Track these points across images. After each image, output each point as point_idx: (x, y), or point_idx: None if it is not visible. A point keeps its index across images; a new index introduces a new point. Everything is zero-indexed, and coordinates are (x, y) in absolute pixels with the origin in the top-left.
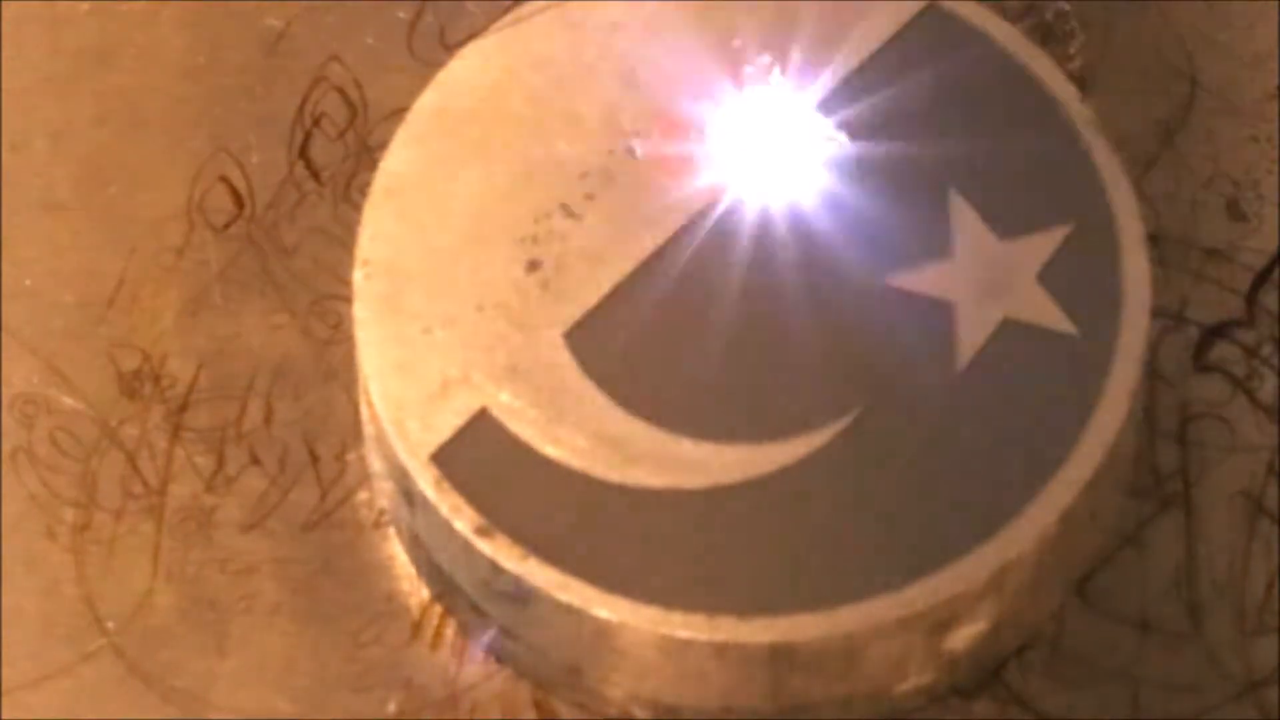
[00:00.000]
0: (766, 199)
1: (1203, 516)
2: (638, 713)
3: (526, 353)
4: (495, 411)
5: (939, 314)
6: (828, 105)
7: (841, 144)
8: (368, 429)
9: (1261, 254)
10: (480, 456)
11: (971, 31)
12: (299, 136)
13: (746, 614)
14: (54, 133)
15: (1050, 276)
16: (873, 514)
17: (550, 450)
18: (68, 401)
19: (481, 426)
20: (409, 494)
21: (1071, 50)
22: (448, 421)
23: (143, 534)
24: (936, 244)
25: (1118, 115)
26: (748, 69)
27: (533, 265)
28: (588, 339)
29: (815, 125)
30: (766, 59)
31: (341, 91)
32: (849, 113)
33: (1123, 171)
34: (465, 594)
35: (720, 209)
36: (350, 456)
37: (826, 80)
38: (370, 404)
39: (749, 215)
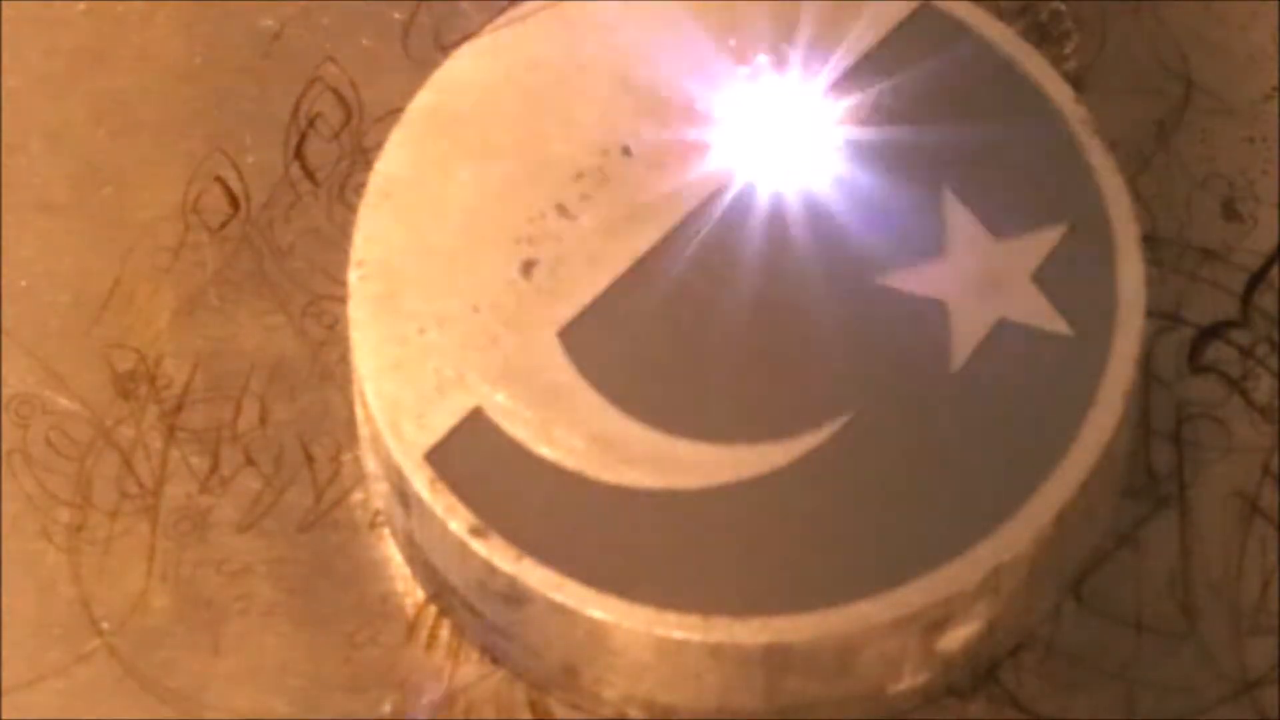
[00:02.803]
0: (761, 199)
1: (1198, 517)
2: (633, 713)
3: (521, 353)
4: (490, 412)
5: (934, 314)
6: (822, 105)
7: (836, 143)
8: (363, 429)
9: (1257, 255)
10: (475, 457)
11: (966, 31)
12: (294, 137)
13: (741, 614)
14: (50, 133)
15: (1045, 277)
16: (868, 514)
17: (545, 450)
18: (63, 402)
19: (476, 427)
20: (404, 495)
21: (1067, 50)
22: (442, 422)
23: (138, 534)
24: (931, 244)
25: (1113, 115)
26: (742, 69)
27: (528, 265)
28: (582, 339)
29: (810, 125)
30: (761, 59)
31: (336, 92)
32: (843, 112)
33: (1118, 172)
34: (460, 595)
35: (715, 209)
36: (345, 457)
37: (821, 80)
38: (365, 404)
39: (743, 215)
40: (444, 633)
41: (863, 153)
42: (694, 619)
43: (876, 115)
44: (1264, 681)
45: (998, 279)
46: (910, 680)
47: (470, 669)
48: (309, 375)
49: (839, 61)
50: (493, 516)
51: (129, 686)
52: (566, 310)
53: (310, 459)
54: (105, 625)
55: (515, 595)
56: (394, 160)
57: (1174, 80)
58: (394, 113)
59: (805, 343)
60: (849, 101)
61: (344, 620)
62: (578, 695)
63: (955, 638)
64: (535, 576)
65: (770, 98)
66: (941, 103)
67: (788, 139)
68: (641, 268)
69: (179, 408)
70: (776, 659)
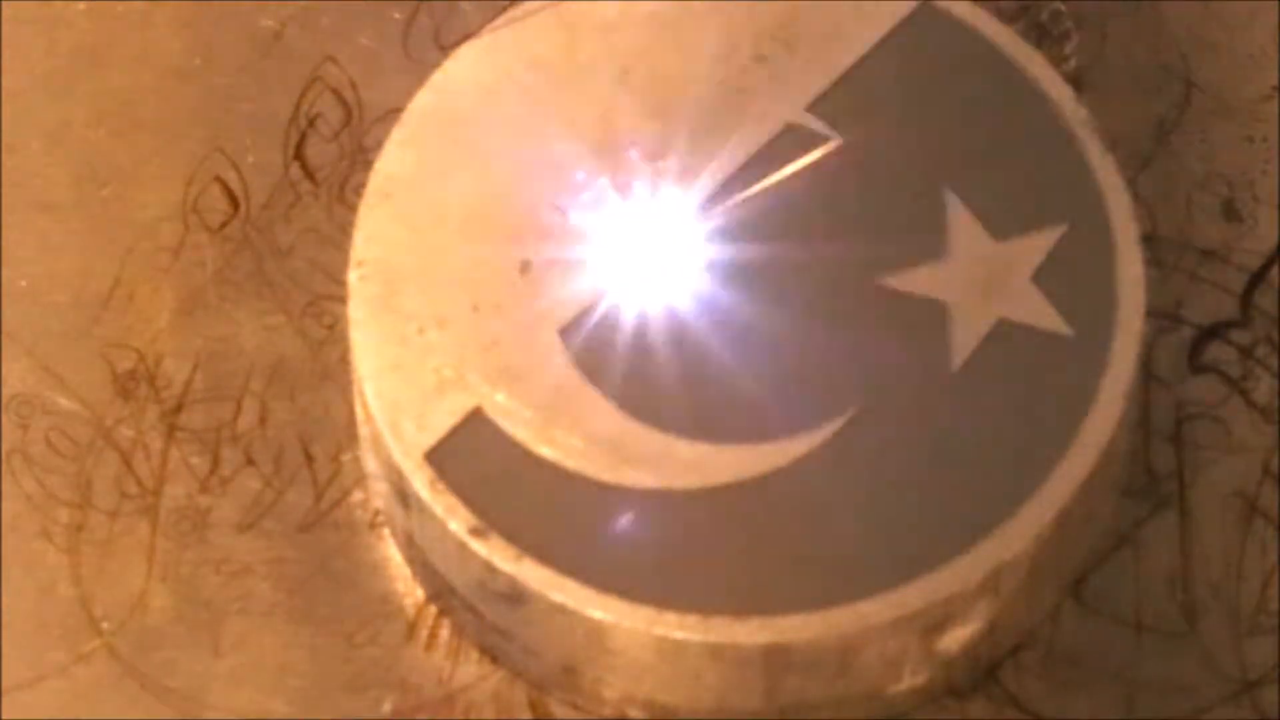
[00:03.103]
0: (761, 198)
1: (1198, 517)
2: (633, 713)
3: (521, 353)
4: (490, 411)
5: (934, 315)
6: (822, 105)
7: (835, 144)
8: (363, 429)
9: (1257, 255)
10: (475, 457)
11: (965, 31)
12: (294, 137)
13: (741, 614)
14: (50, 133)
15: (1045, 277)
16: (868, 515)
17: (545, 450)
18: (63, 402)
19: (476, 426)
20: (404, 495)
21: (1066, 50)
22: (442, 421)
23: (138, 534)
24: (931, 244)
25: (1113, 115)
26: (741, 68)
27: (527, 265)
28: (582, 339)
29: (809, 125)
30: (760, 58)
31: (336, 92)
32: (843, 113)
33: (1118, 172)
34: (460, 595)
35: (714, 209)
36: (345, 457)
37: (821, 80)
38: (365, 404)
39: (743, 215)
40: (444, 633)
41: (862, 154)
42: (694, 619)
43: (876, 115)
44: (1264, 681)
45: (998, 279)
46: (910, 680)
47: (470, 669)
48: (309, 375)
49: (838, 61)
50: (493, 516)
51: (129, 686)
52: (567, 310)
53: (310, 459)
54: (105, 625)
55: (515, 595)
56: (394, 160)
57: (1174, 80)
58: (394, 112)
59: (806, 343)
60: (848, 102)
61: (344, 620)
62: (578, 695)
63: (955, 638)
64: (535, 576)
65: (770, 98)
66: (941, 103)
67: (787, 140)
68: (641, 267)
69: (179, 408)
70: (776, 659)
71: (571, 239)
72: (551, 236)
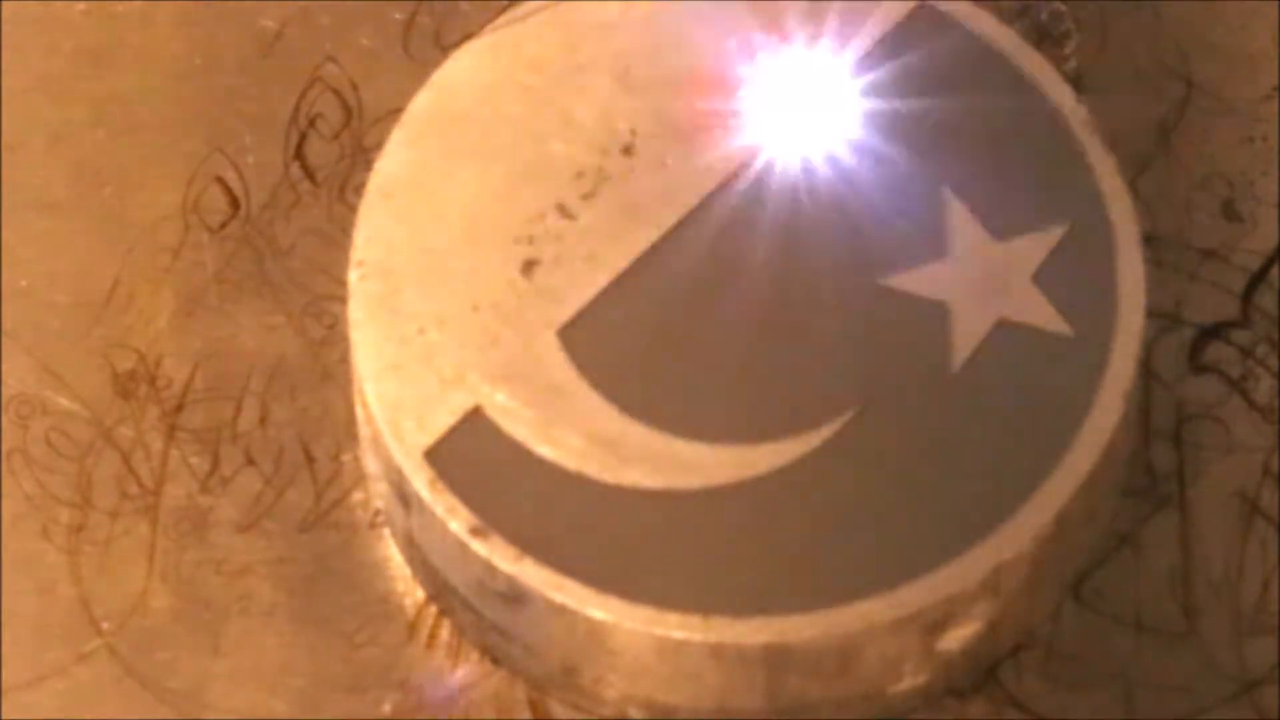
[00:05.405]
0: (761, 199)
1: (1198, 517)
2: (633, 713)
3: (521, 353)
4: (490, 411)
5: (934, 315)
6: (821, 105)
7: (835, 144)
8: (363, 429)
9: (1257, 255)
10: (475, 457)
11: (965, 31)
12: (294, 137)
13: (741, 614)
14: (50, 133)
15: (1046, 277)
16: (868, 514)
17: (545, 450)
18: (63, 402)
19: (476, 426)
20: (404, 494)
21: (1067, 50)
22: (442, 421)
23: (138, 534)
24: (931, 244)
25: (1113, 116)
26: (741, 69)
27: (528, 265)
28: (582, 338)
29: (809, 125)
30: (760, 59)
31: (337, 92)
32: (842, 112)
33: (1118, 172)
34: (460, 594)
35: (714, 209)
36: (345, 457)
37: (820, 80)
38: (365, 404)
39: (743, 215)
40: (444, 633)
41: (862, 153)
42: (694, 619)
43: (876, 116)
44: (1264, 681)
45: (998, 279)
46: (910, 680)
47: (470, 669)
48: (309, 375)
49: (838, 62)
50: (493, 516)
51: (129, 686)
52: (566, 310)
53: (310, 459)
54: (105, 625)
55: (515, 595)
56: (394, 160)
57: (1174, 80)
58: (394, 113)
59: (806, 343)
60: (848, 102)
61: (344, 620)
62: (578, 695)
63: (956, 638)
64: (535, 576)
65: (769, 98)
66: (941, 103)
67: (787, 139)
68: (641, 267)
69: (179, 408)
70: (776, 659)
71: (571, 239)
72: (551, 236)
